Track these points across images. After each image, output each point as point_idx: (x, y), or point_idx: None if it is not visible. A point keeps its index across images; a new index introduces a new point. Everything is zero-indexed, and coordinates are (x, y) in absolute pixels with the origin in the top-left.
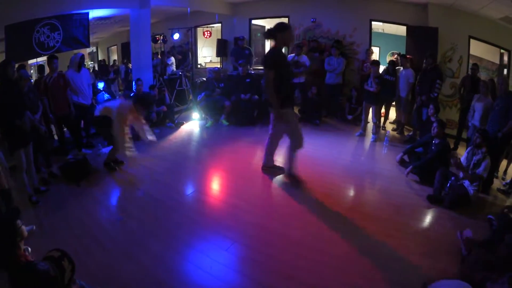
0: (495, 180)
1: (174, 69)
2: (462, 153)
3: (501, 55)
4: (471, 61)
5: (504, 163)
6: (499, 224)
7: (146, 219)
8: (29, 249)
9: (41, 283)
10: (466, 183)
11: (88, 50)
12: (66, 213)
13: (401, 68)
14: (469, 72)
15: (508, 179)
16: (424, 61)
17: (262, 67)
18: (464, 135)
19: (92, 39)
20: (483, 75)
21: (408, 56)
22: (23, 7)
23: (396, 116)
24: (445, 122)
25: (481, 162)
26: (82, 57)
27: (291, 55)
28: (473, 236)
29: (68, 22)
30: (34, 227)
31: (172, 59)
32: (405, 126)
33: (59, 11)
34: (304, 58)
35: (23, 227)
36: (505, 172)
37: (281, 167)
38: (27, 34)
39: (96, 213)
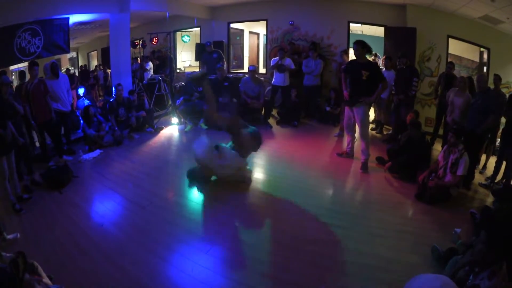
0: (476, 175)
1: (152, 73)
2: (437, 148)
3: (481, 53)
4: (450, 60)
5: (483, 157)
6: (482, 218)
7: (127, 225)
8: None
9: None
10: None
11: (69, 55)
12: (49, 220)
13: (383, 69)
14: (445, 70)
15: (488, 174)
16: (398, 61)
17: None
18: (441, 131)
19: (73, 44)
20: (463, 74)
21: (384, 56)
22: (4, 12)
23: (375, 116)
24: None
25: (459, 160)
26: (54, 64)
27: (275, 58)
28: (461, 232)
29: (49, 27)
30: (18, 235)
31: (150, 64)
32: (385, 126)
33: (39, 16)
34: (288, 61)
35: None
36: (484, 166)
37: None
38: (8, 39)
39: (78, 219)
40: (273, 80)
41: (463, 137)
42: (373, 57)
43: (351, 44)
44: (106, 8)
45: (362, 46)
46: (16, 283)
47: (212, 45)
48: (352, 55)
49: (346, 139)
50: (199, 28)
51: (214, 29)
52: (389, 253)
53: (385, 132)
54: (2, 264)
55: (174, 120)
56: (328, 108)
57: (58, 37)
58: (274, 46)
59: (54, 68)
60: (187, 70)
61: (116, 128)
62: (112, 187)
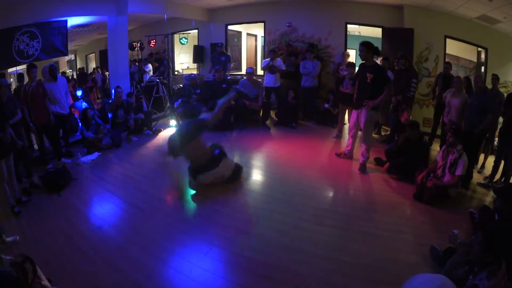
0: (475, 175)
1: (151, 75)
2: (435, 148)
3: (479, 53)
4: (447, 60)
5: (481, 157)
6: (480, 218)
7: (126, 227)
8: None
9: (6, 283)
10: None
11: (67, 58)
12: (48, 222)
13: None
14: (443, 71)
15: (486, 174)
16: (396, 62)
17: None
18: (439, 131)
19: (71, 46)
20: (461, 74)
21: (381, 58)
22: (2, 15)
23: None
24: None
25: (457, 161)
26: (52, 66)
27: (266, 60)
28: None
29: (47, 30)
30: (18, 238)
31: (150, 66)
32: (383, 127)
33: (38, 19)
34: (279, 62)
35: None
36: (482, 165)
37: None
38: (7, 42)
39: (77, 222)
40: (264, 81)
41: (462, 137)
42: None
43: (348, 45)
44: (104, 11)
45: (367, 47)
46: None
47: (223, 47)
48: (351, 56)
49: (347, 140)
50: (197, 30)
51: (211, 31)
52: (388, 254)
53: (383, 133)
54: (5, 268)
55: (172, 122)
56: (326, 105)
57: (56, 39)
58: (271, 49)
59: (53, 71)
60: (185, 72)
61: (108, 126)
62: (110, 189)
